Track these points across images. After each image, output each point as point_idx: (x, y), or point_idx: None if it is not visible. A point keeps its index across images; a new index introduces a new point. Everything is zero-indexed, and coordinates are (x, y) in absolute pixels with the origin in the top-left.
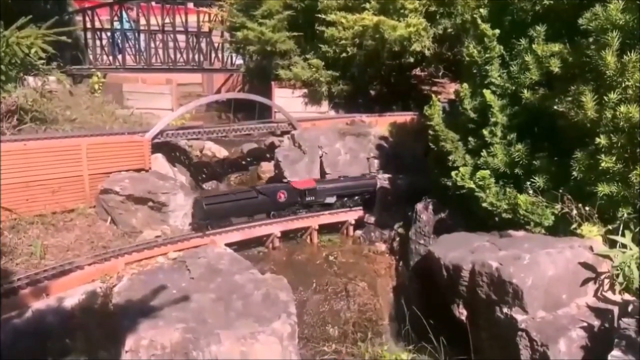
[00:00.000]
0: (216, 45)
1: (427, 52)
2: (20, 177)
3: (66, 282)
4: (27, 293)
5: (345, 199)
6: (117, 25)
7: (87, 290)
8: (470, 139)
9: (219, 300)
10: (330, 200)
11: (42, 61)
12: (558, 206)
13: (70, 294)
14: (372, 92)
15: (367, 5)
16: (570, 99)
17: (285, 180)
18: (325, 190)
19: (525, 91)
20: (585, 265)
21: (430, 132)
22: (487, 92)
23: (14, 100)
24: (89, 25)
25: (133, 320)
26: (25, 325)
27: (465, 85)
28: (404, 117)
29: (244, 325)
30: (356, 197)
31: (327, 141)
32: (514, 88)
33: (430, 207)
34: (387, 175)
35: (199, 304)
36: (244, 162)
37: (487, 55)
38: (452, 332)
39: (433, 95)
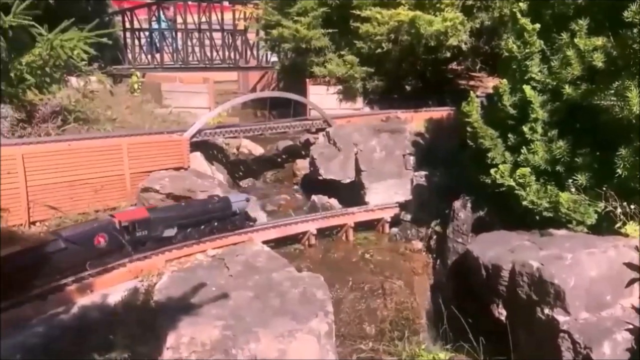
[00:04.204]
0: (251, 43)
1: (463, 47)
2: (65, 177)
3: (109, 279)
4: (73, 289)
5: (189, 229)
6: (154, 25)
7: (129, 287)
8: (509, 135)
9: (257, 298)
10: (170, 232)
11: (84, 62)
12: (601, 204)
13: (113, 291)
14: (408, 88)
15: (403, 1)
16: (614, 94)
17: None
18: (162, 220)
19: (566, 86)
20: (631, 266)
21: (468, 128)
22: (527, 88)
23: (58, 101)
24: (127, 25)
25: (173, 317)
26: (71, 321)
27: (504, 81)
28: (440, 112)
29: (281, 323)
30: (202, 227)
31: (362, 138)
32: (554, 83)
33: (469, 205)
34: (423, 172)
35: (237, 302)
36: (279, 160)
37: (527, 50)
38: (490, 332)
39: (471, 91)
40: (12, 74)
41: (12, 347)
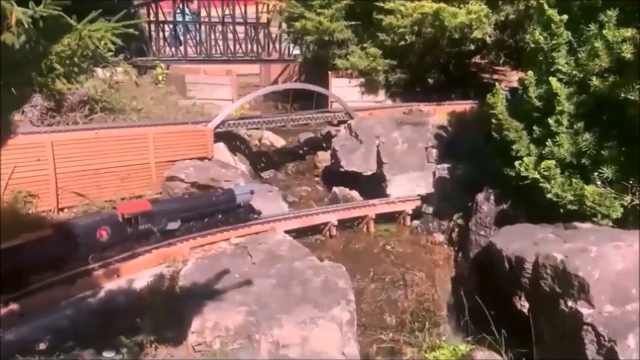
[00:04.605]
0: (274, 36)
1: (488, 40)
2: (92, 165)
3: (135, 265)
4: (100, 274)
5: (192, 222)
6: (179, 17)
7: (155, 273)
8: (534, 128)
9: (280, 286)
10: (173, 225)
11: (111, 53)
12: (627, 198)
13: (139, 276)
14: (430, 81)
15: None
16: None
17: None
18: (165, 213)
19: (593, 78)
20: None
21: (493, 120)
22: (553, 80)
23: (85, 91)
24: (152, 17)
25: (198, 302)
26: (98, 304)
27: (530, 72)
28: (463, 106)
29: (304, 311)
30: (206, 220)
31: (384, 130)
32: (581, 75)
33: (492, 197)
34: (446, 165)
35: (260, 289)
36: (301, 152)
37: (553, 42)
38: (512, 325)
39: (496, 83)
40: (42, 64)
41: (41, 329)
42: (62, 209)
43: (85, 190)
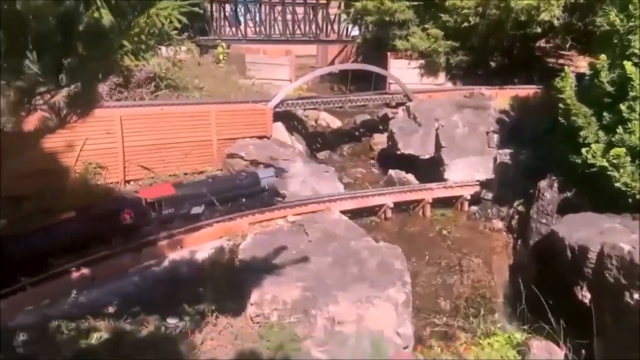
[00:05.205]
0: (332, 17)
1: (555, 22)
2: (157, 139)
3: (197, 237)
4: (165, 245)
5: (216, 206)
6: None
7: (216, 246)
8: (605, 114)
9: (336, 264)
10: (197, 210)
11: (175, 32)
12: None
13: (201, 248)
14: (493, 64)
15: None
16: None
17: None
18: (189, 197)
19: None
20: None
21: (561, 105)
22: (627, 64)
23: (151, 68)
24: None
25: (257, 276)
26: (163, 273)
27: (602, 56)
28: (527, 90)
29: (360, 289)
30: (230, 204)
31: (444, 114)
32: None
33: (555, 185)
34: (508, 151)
35: (317, 266)
36: (356, 133)
37: (630, 24)
38: (571, 315)
39: (566, 67)
40: (127, 37)
41: (110, 293)
42: (128, 181)
43: (150, 164)
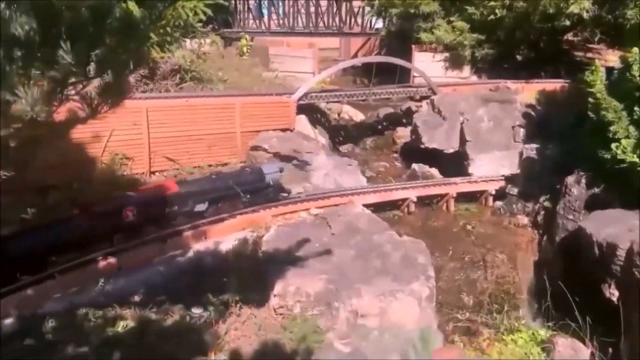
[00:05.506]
0: (356, 9)
1: (585, 15)
2: (182, 131)
3: (222, 229)
4: (189, 235)
5: (219, 204)
6: None
7: (239, 237)
8: (636, 108)
9: (359, 257)
10: (201, 207)
11: (200, 24)
12: None
13: (224, 240)
14: (519, 57)
15: None
16: None
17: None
18: (193, 194)
19: None
20: None
21: (590, 99)
22: None
23: (176, 60)
24: None
25: (280, 267)
26: (187, 263)
27: (635, 49)
28: (554, 84)
29: (383, 283)
30: (234, 201)
31: (469, 107)
32: None
33: (583, 180)
34: (534, 145)
35: (340, 259)
36: (380, 127)
37: None
38: (598, 313)
39: (596, 60)
40: (156, 28)
41: (136, 282)
42: (153, 172)
43: (176, 156)
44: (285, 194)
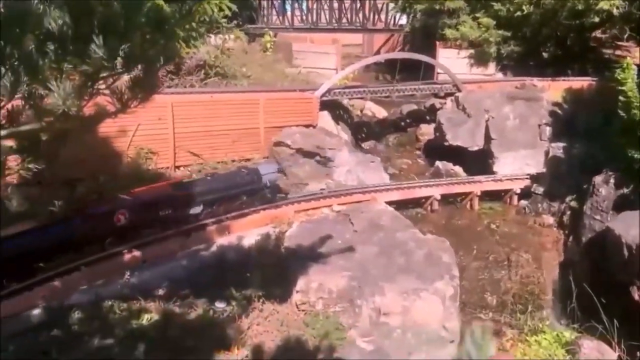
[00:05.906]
0: (379, 6)
1: (615, 12)
2: (206, 126)
3: (244, 224)
4: (213, 230)
5: (215, 206)
6: None
7: (262, 233)
8: None
9: (382, 254)
10: (196, 210)
11: (225, 20)
12: None
13: (247, 234)
14: (545, 55)
15: None
16: None
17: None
18: (188, 197)
19: None
20: None
21: (621, 98)
22: None
23: (200, 56)
24: None
25: (303, 263)
26: (210, 257)
27: None
28: (581, 82)
29: (406, 281)
30: (230, 203)
31: (494, 105)
32: None
33: (611, 180)
34: (561, 144)
35: (362, 256)
36: (402, 124)
37: None
38: (626, 315)
39: (628, 58)
40: (186, 23)
41: (160, 276)
42: (178, 167)
43: (199, 151)
44: (282, 195)
